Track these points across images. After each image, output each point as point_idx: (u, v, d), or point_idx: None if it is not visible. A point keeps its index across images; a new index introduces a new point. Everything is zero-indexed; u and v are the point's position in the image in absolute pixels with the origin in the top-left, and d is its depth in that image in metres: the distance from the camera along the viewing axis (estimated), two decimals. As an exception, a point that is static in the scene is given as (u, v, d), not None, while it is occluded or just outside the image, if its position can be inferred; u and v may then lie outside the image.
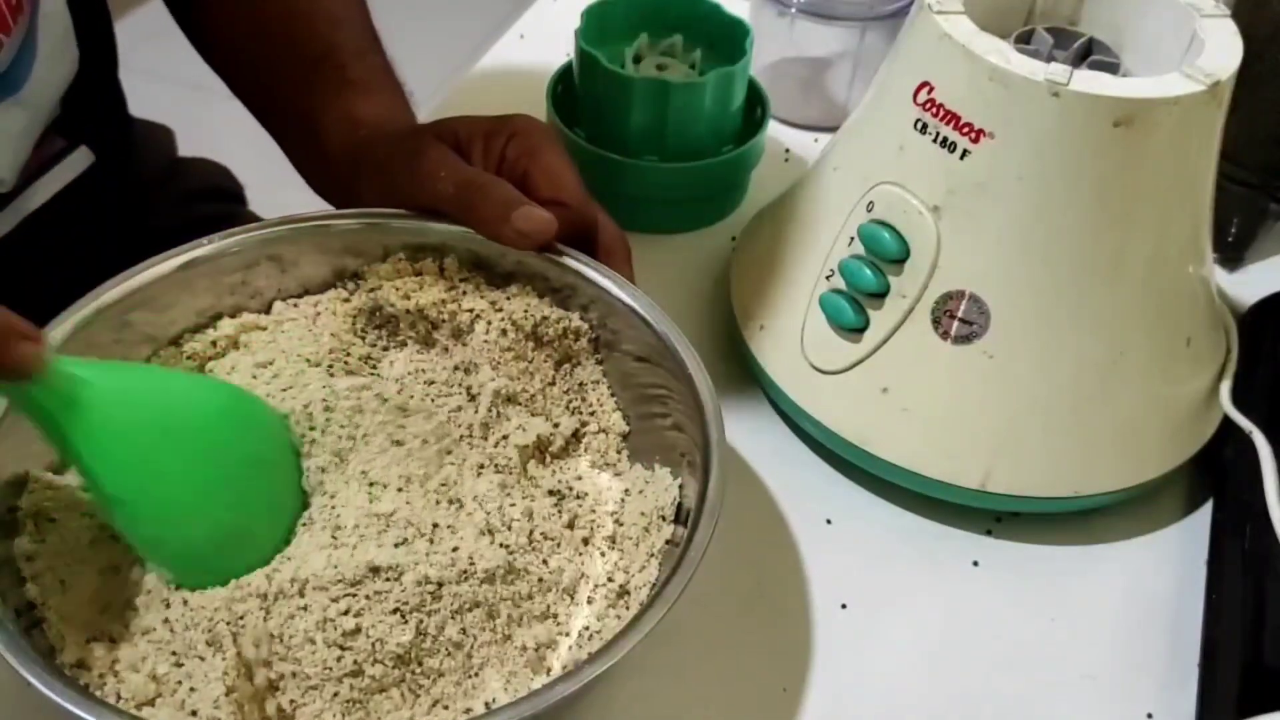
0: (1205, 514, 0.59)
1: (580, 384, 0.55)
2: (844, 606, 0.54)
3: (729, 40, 0.71)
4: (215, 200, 0.84)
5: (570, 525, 0.51)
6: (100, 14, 0.68)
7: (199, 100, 0.83)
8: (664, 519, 0.50)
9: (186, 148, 0.87)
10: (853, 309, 0.55)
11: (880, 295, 0.55)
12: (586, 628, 0.48)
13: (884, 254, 0.54)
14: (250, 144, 0.73)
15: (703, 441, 0.48)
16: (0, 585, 0.43)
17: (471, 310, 0.54)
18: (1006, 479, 0.55)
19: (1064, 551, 0.57)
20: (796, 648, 0.53)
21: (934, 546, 0.57)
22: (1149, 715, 0.51)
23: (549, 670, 0.46)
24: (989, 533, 0.58)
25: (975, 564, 0.56)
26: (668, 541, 0.49)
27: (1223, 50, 0.52)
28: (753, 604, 0.54)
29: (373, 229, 0.55)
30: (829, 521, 0.57)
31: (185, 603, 0.45)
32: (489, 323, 0.54)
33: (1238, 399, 0.58)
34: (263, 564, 0.47)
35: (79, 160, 0.66)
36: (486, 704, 0.44)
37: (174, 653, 0.44)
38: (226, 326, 0.54)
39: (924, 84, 0.52)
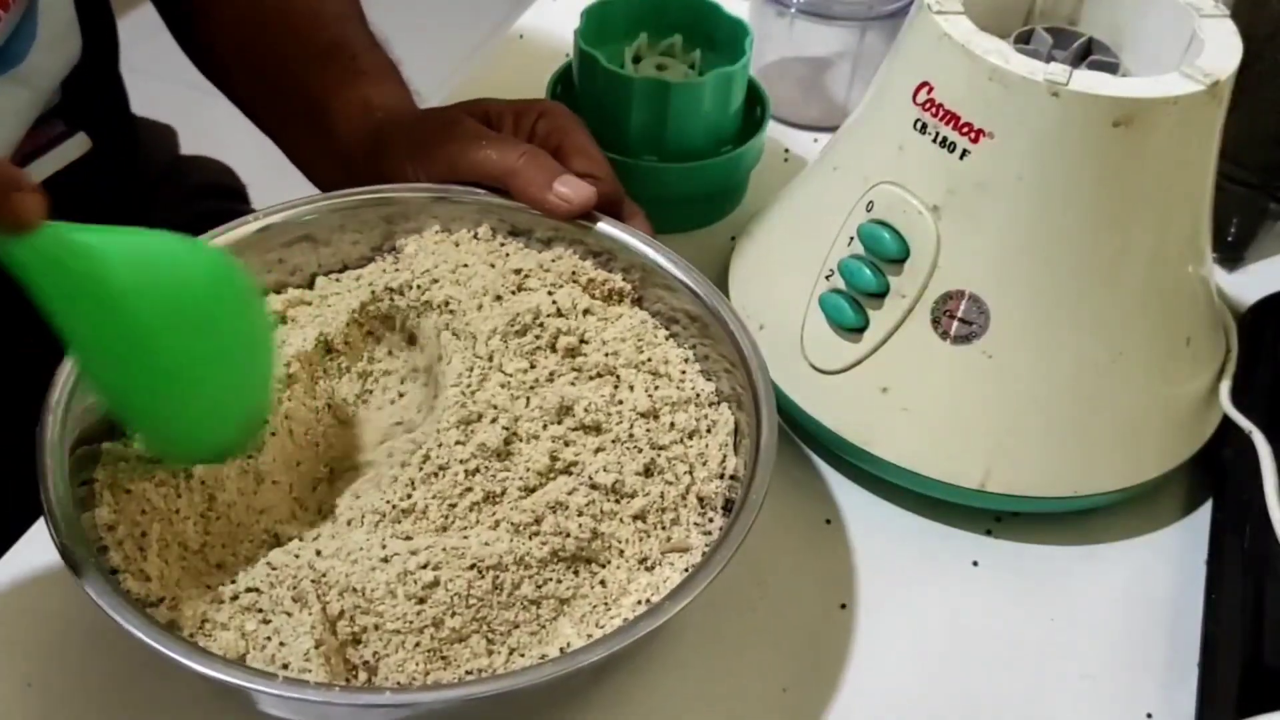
0: (1205, 514, 0.59)
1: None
2: (843, 606, 0.54)
3: (729, 40, 0.71)
4: (217, 198, 0.85)
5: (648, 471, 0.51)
6: (102, 6, 0.68)
7: (200, 99, 0.83)
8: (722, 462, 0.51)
9: (188, 146, 0.87)
10: (852, 309, 0.55)
11: (880, 295, 0.55)
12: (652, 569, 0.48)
13: (884, 254, 0.54)
14: (251, 142, 0.73)
15: (751, 397, 0.50)
16: (84, 554, 0.44)
17: (520, 270, 0.55)
18: (1006, 479, 0.55)
19: (1064, 551, 0.57)
20: (796, 647, 0.53)
21: (934, 546, 0.57)
22: (1149, 715, 0.51)
23: (620, 608, 0.47)
24: (989, 532, 0.58)
25: (975, 564, 0.56)
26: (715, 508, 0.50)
27: (1222, 50, 0.52)
28: (752, 603, 0.54)
29: (410, 202, 0.57)
30: (828, 521, 0.57)
31: (269, 563, 0.46)
32: (540, 280, 0.55)
33: (1237, 399, 0.58)
34: (237, 438, 0.48)
35: (77, 145, 0.67)
36: (561, 649, 0.45)
37: (260, 609, 0.45)
38: (275, 302, 0.56)
39: (923, 84, 0.52)
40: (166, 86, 1.07)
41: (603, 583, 0.47)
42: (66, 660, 0.49)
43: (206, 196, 0.84)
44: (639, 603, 0.47)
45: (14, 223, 0.39)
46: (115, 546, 0.46)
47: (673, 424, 0.52)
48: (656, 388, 0.53)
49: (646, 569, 0.48)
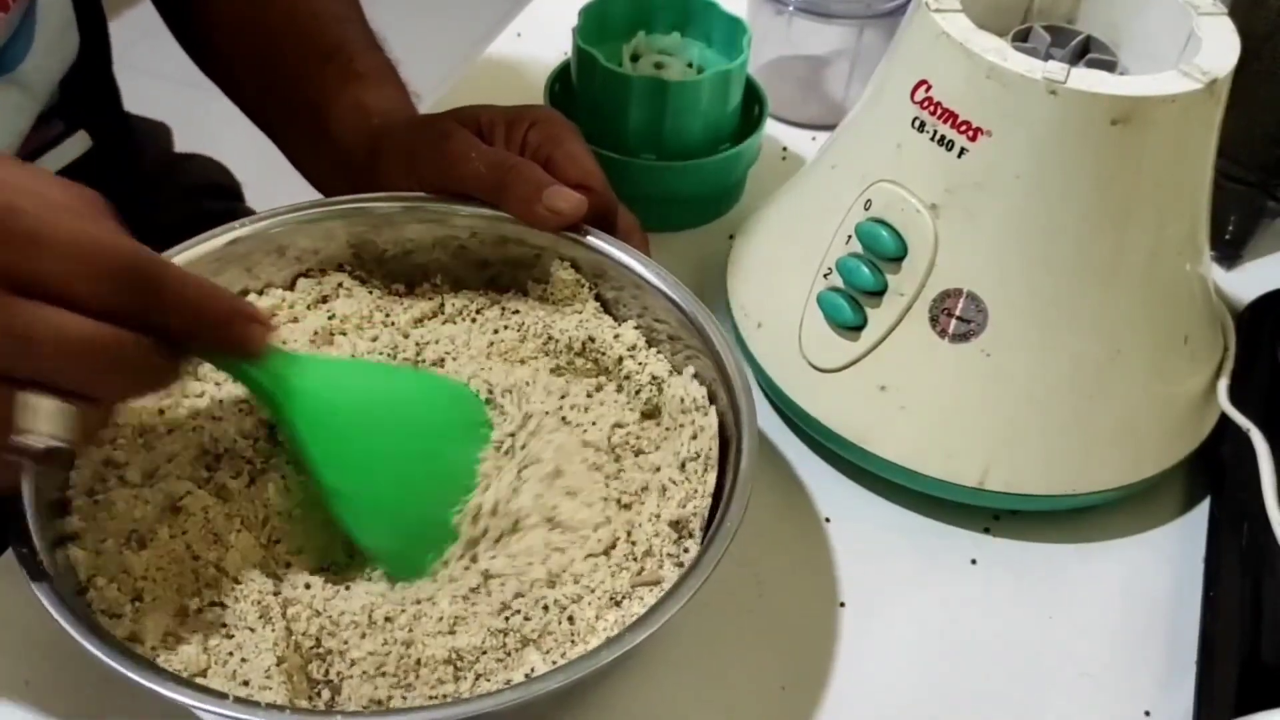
0: (1203, 511, 0.59)
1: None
2: (842, 604, 0.54)
3: (727, 38, 0.71)
4: (213, 196, 0.85)
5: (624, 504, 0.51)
6: (95, 4, 0.68)
7: (196, 97, 0.83)
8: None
9: (184, 144, 0.87)
10: (851, 307, 0.55)
11: (878, 293, 0.55)
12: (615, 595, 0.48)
13: (882, 252, 0.54)
14: (247, 141, 0.73)
15: (732, 414, 0.49)
16: (53, 563, 0.44)
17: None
18: (1004, 477, 0.55)
19: (1062, 549, 0.57)
20: (795, 646, 0.53)
21: (932, 544, 0.57)
22: (1146, 713, 0.51)
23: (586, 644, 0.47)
24: (987, 531, 0.58)
25: (973, 562, 0.56)
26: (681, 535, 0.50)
27: (1220, 48, 0.52)
28: (751, 602, 0.54)
29: (405, 212, 0.57)
30: (827, 520, 0.57)
31: (235, 579, 0.46)
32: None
33: (1235, 397, 0.58)
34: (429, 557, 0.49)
35: (77, 145, 0.67)
36: (526, 674, 0.45)
37: (224, 625, 0.45)
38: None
39: (922, 82, 0.52)
40: (161, 84, 1.07)
41: (570, 619, 0.47)
42: (65, 659, 0.49)
43: (202, 195, 0.84)
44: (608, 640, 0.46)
45: (243, 350, 0.43)
46: (83, 557, 0.45)
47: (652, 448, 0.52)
48: (632, 409, 0.53)
49: (615, 604, 0.47)
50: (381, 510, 0.48)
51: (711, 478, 0.50)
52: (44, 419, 0.38)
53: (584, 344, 0.55)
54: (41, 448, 0.38)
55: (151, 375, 0.41)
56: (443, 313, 0.57)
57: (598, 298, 0.56)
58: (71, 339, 0.37)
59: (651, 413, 0.53)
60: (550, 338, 0.55)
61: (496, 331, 0.56)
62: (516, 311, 0.57)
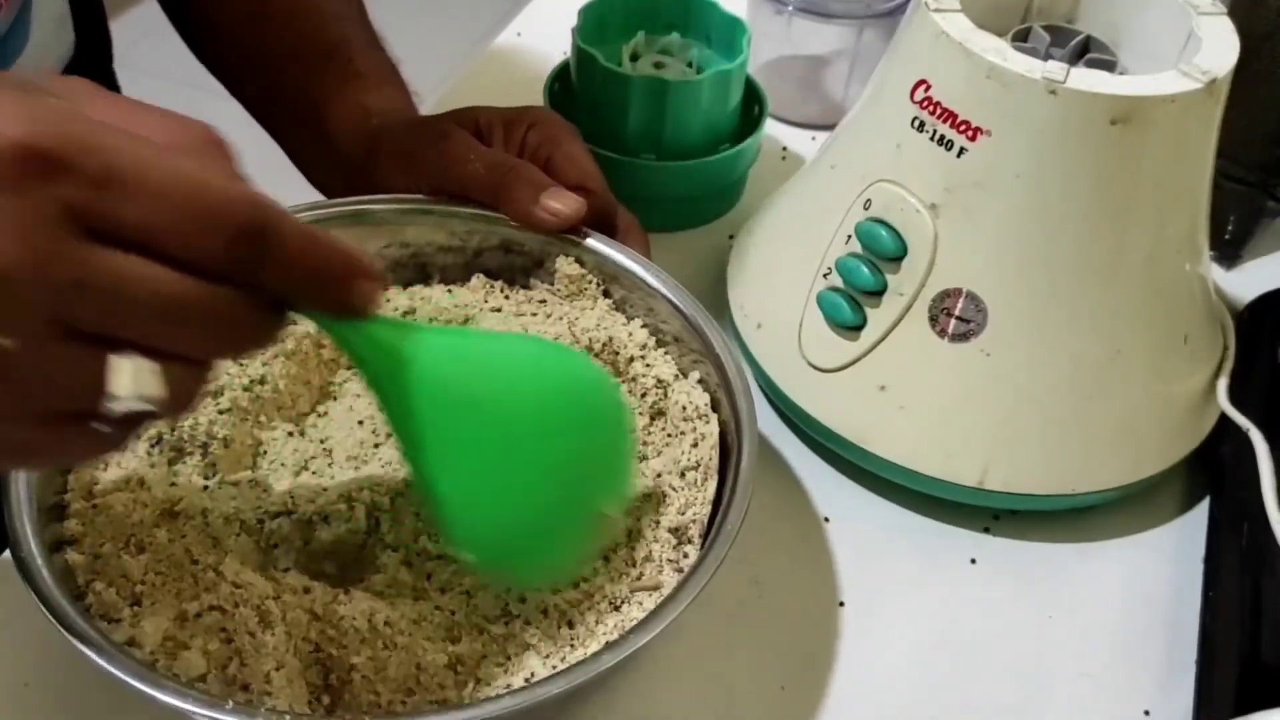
0: (1202, 511, 0.59)
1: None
2: (842, 604, 0.54)
3: (726, 38, 0.71)
4: None
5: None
6: (93, 2, 0.68)
7: (196, 98, 0.83)
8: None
9: (184, 145, 0.87)
10: (850, 307, 0.55)
11: (878, 293, 0.55)
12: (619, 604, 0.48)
13: (881, 252, 0.54)
14: (249, 142, 0.72)
15: (733, 418, 0.49)
16: (51, 567, 0.43)
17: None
18: (1004, 476, 0.55)
19: (1061, 549, 0.57)
20: (794, 645, 0.53)
21: (932, 544, 0.57)
22: (1146, 712, 0.51)
23: (586, 649, 0.47)
24: (986, 530, 0.58)
25: (973, 561, 0.56)
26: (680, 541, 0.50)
27: (1220, 48, 0.52)
28: (751, 602, 0.54)
29: (403, 213, 0.57)
30: (827, 519, 0.57)
31: (234, 583, 0.45)
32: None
33: (1235, 396, 0.58)
34: (574, 558, 0.46)
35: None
36: (525, 679, 0.45)
37: (223, 629, 0.44)
38: None
39: (921, 82, 0.52)
40: (162, 84, 1.07)
41: (570, 624, 0.47)
42: (66, 663, 0.49)
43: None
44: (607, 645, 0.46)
45: (357, 311, 0.37)
46: (81, 561, 0.45)
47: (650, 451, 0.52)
48: (640, 412, 0.53)
49: (615, 609, 0.47)
50: (479, 506, 0.42)
51: (712, 486, 0.50)
52: (139, 381, 0.33)
53: (604, 344, 0.55)
54: (133, 413, 0.34)
55: (254, 334, 0.36)
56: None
57: (606, 294, 0.56)
58: (167, 295, 0.33)
59: (655, 415, 0.53)
60: (573, 338, 0.55)
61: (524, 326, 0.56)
62: (543, 301, 0.57)
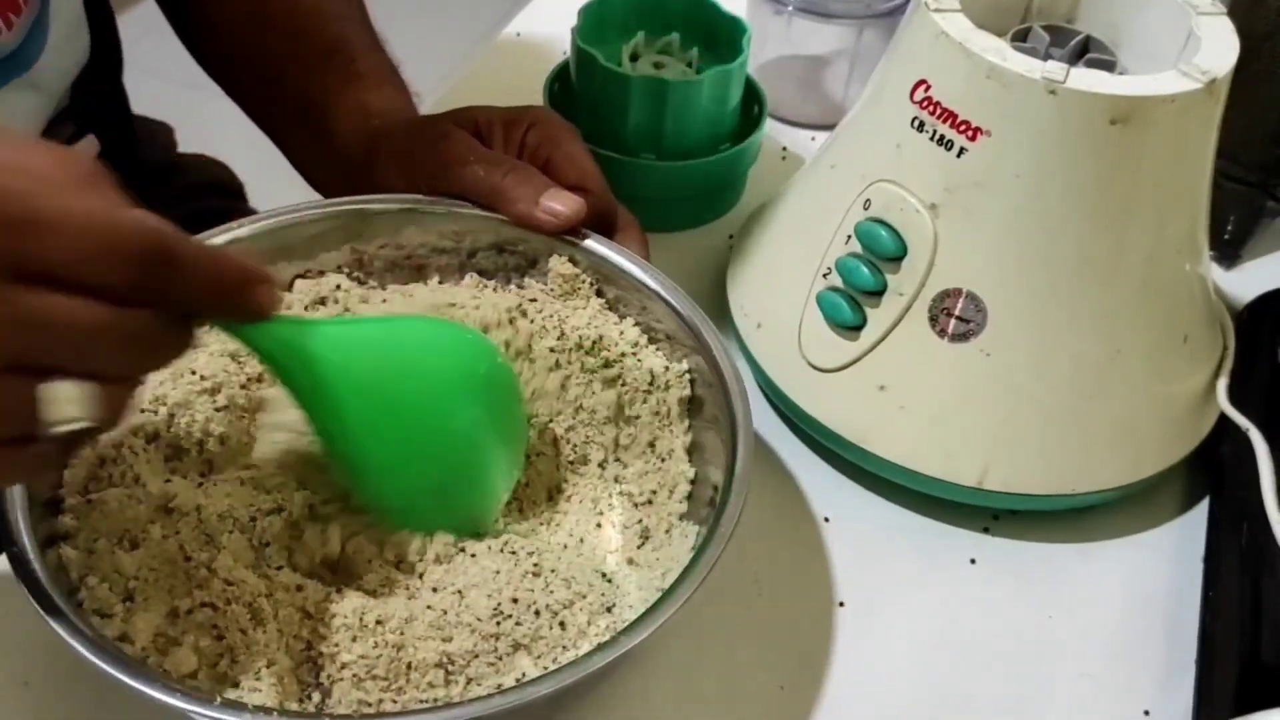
0: (1202, 511, 0.59)
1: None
2: (841, 604, 0.54)
3: (726, 38, 0.71)
4: (215, 196, 0.85)
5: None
6: (105, 7, 0.68)
7: (198, 98, 0.83)
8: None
9: (186, 145, 0.87)
10: (850, 307, 0.55)
11: (877, 293, 0.55)
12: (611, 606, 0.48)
13: (881, 252, 0.54)
14: (249, 141, 0.73)
15: (729, 419, 0.49)
16: (45, 562, 0.44)
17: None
18: (1004, 476, 0.55)
19: (1061, 549, 0.57)
20: (794, 645, 0.53)
21: (931, 544, 0.57)
22: (1146, 712, 0.51)
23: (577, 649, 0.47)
24: (986, 530, 0.58)
25: (972, 561, 0.56)
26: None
27: (1219, 48, 0.52)
28: (750, 602, 0.54)
29: (403, 213, 0.57)
30: (826, 519, 0.57)
31: (226, 580, 0.46)
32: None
33: (1234, 396, 0.58)
34: (492, 506, 0.50)
35: (86, 148, 0.67)
36: (517, 679, 0.45)
37: (215, 626, 0.45)
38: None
39: (921, 82, 0.52)
40: (164, 84, 1.07)
41: (562, 624, 0.47)
42: (65, 660, 0.49)
43: (204, 195, 0.84)
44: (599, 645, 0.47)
45: (255, 314, 0.41)
46: (75, 556, 0.45)
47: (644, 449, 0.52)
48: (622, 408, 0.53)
49: (607, 609, 0.48)
50: (391, 472, 0.48)
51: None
52: (67, 405, 0.37)
53: (594, 343, 0.54)
54: (67, 433, 0.37)
55: (168, 348, 0.40)
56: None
57: (599, 293, 0.56)
58: (84, 326, 0.36)
59: (638, 416, 0.53)
60: (562, 333, 0.55)
61: (513, 320, 0.56)
62: (534, 300, 0.57)
